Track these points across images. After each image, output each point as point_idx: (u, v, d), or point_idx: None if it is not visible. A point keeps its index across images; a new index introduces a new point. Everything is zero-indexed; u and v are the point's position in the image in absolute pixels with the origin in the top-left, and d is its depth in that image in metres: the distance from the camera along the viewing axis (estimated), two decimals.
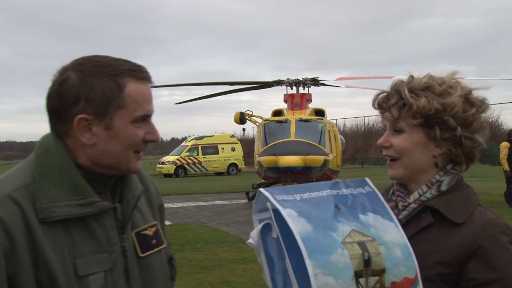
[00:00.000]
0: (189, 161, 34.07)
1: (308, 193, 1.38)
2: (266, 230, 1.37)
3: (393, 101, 1.54)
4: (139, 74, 1.38)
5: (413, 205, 1.56)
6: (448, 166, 1.56)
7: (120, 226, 1.41)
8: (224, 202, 17.35)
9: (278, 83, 19.38)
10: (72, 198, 1.31)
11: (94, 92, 1.32)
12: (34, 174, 1.32)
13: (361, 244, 1.26)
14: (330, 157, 16.65)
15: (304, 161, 15.26)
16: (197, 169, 34.49)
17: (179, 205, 16.88)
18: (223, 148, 35.16)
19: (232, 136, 36.89)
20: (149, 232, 1.51)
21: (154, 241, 1.51)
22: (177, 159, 33.78)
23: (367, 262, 1.25)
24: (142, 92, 1.38)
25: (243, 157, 36.34)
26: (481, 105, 1.54)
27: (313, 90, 19.51)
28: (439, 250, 1.46)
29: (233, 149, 35.72)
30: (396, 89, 1.55)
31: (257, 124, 18.73)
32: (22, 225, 1.25)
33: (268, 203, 1.33)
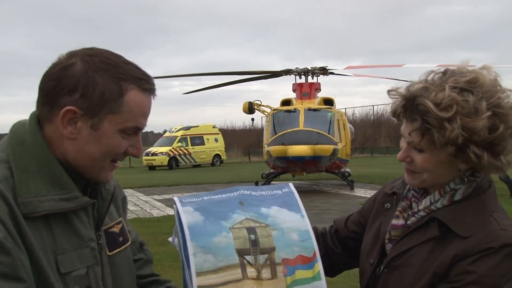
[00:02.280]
0: (180, 152, 32.40)
1: (219, 195, 1.49)
2: None
3: (416, 125, 1.38)
4: (146, 84, 1.31)
5: (421, 213, 1.47)
6: (467, 172, 1.43)
7: (95, 223, 1.36)
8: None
9: (287, 72, 19.30)
10: (55, 193, 1.24)
11: (93, 88, 1.24)
12: (12, 167, 1.23)
13: (250, 229, 1.39)
14: (339, 146, 16.60)
15: (313, 151, 15.23)
16: (187, 161, 32.87)
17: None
18: (208, 139, 34.06)
19: (214, 126, 35.84)
20: (116, 229, 1.45)
21: (120, 239, 1.46)
22: (170, 150, 31.76)
23: (254, 242, 1.38)
24: (142, 104, 1.31)
25: (224, 148, 35.67)
26: (509, 119, 1.34)
27: (323, 79, 19.43)
28: (437, 262, 1.39)
29: (216, 140, 34.74)
30: (419, 107, 1.36)
31: (266, 113, 18.70)
32: (11, 219, 1.15)
33: (175, 205, 1.42)
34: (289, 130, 16.12)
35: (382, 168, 24.51)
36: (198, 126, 34.52)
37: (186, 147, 32.66)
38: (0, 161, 1.24)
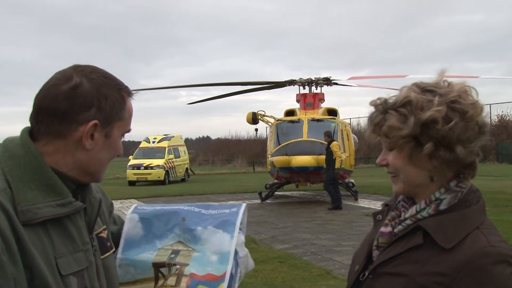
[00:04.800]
0: (171, 165, 28.73)
1: (170, 207, 1.72)
2: None
3: (377, 120, 1.48)
4: (130, 92, 1.50)
5: (408, 221, 1.48)
6: (452, 182, 1.45)
7: (87, 227, 1.44)
8: (237, 203, 17.25)
9: (291, 82, 19.33)
10: (51, 199, 1.32)
11: (106, 101, 1.39)
12: (8, 178, 1.30)
13: (175, 251, 1.62)
14: (343, 156, 16.53)
15: (316, 161, 15.18)
16: (174, 175, 29.07)
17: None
18: (181, 151, 30.98)
19: (181, 137, 32.98)
20: (104, 235, 1.55)
21: (108, 243, 1.56)
22: (165, 163, 27.93)
23: (172, 259, 1.60)
24: (132, 109, 1.51)
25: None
26: (466, 112, 1.38)
27: (329, 89, 19.42)
28: (423, 274, 1.37)
29: (185, 152, 31.96)
30: (380, 106, 1.47)
31: (270, 124, 18.68)
32: (10, 228, 1.21)
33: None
34: (292, 141, 16.09)
35: (387, 179, 24.10)
36: (174, 136, 31.13)
37: (173, 160, 29.15)
38: None
